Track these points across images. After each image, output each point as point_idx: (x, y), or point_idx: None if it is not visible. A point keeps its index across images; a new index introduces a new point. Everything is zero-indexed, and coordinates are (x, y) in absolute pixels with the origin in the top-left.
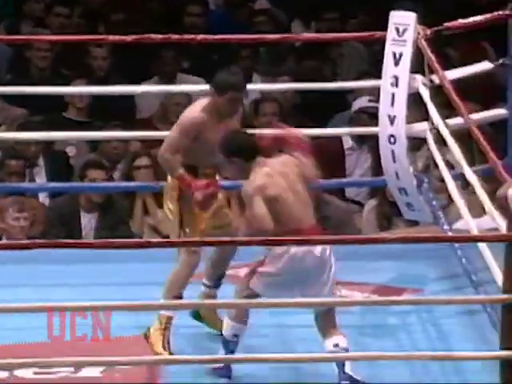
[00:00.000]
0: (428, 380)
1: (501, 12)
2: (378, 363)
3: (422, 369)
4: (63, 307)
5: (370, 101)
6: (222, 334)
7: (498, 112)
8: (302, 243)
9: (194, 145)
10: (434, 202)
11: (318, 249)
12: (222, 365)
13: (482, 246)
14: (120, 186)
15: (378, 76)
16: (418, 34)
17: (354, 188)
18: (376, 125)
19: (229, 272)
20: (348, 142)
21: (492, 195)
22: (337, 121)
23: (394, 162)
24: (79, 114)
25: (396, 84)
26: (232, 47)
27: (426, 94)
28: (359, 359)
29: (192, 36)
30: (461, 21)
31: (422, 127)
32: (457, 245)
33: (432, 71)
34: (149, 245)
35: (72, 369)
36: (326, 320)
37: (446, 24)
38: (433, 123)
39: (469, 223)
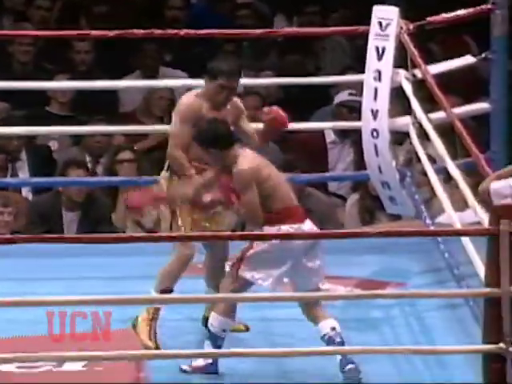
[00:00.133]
0: (411, 373)
1: (483, 6)
2: (362, 357)
3: (404, 362)
4: (49, 301)
5: (350, 94)
6: (209, 330)
7: (481, 106)
8: (287, 237)
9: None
10: (417, 196)
11: (307, 225)
12: (209, 361)
13: (465, 239)
14: (103, 180)
15: (361, 70)
16: (401, 28)
17: (336, 182)
18: (356, 118)
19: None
20: (330, 136)
21: (474, 189)
22: (319, 115)
23: (377, 155)
24: (62, 109)
25: (379, 78)
26: (215, 41)
27: (408, 89)
28: (343, 353)
29: (175, 31)
30: (443, 15)
31: (404, 121)
32: (439, 239)
33: (415, 65)
34: (131, 239)
35: (55, 363)
36: (313, 306)
37: (429, 18)
38: (415, 117)
39: (451, 217)
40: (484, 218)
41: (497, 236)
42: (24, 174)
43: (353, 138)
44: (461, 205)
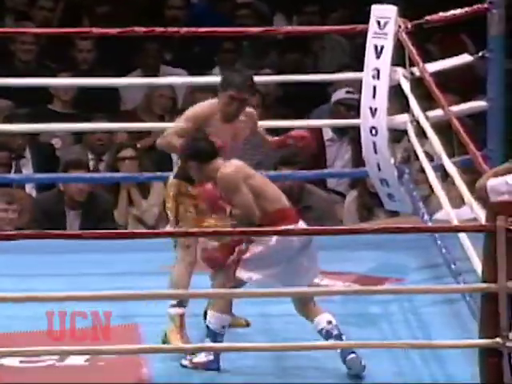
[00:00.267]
0: (408, 367)
1: (480, 5)
2: (360, 351)
3: (402, 356)
4: (50, 297)
5: (347, 92)
6: (208, 328)
7: (478, 104)
8: (286, 234)
9: None
10: (415, 193)
11: (302, 223)
12: (211, 358)
13: (462, 236)
14: (105, 177)
15: (361, 69)
16: (399, 27)
17: (335, 179)
18: (354, 116)
19: None
20: (328, 134)
21: (471, 186)
22: (318, 113)
23: (376, 153)
24: (64, 106)
25: (377, 76)
26: (215, 40)
27: (406, 87)
28: (341, 347)
29: (175, 29)
30: (441, 14)
31: (402, 119)
32: (437, 235)
33: (413, 64)
34: (132, 235)
35: (57, 357)
36: (307, 303)
37: (427, 17)
38: (413, 115)
39: (449, 214)
40: (481, 214)
41: (493, 232)
42: (28, 171)
43: (351, 135)
44: (458, 201)
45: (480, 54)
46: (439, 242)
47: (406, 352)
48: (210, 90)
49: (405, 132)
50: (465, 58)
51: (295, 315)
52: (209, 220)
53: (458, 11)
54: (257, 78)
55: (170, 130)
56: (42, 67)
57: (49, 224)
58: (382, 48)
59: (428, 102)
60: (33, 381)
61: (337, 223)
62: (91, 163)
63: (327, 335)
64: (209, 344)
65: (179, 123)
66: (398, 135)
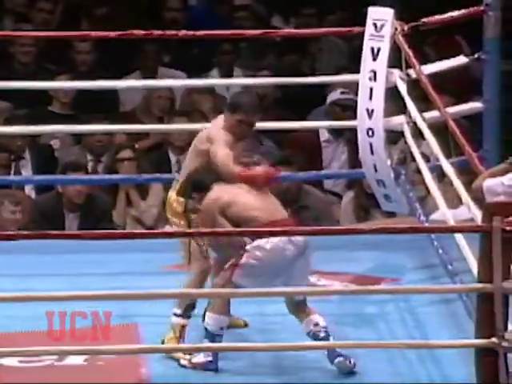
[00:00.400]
0: (405, 367)
1: (476, 8)
2: (357, 351)
3: (399, 356)
4: (49, 297)
5: (342, 93)
6: (206, 329)
7: (474, 105)
8: (283, 234)
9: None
10: (411, 194)
11: (298, 239)
12: (209, 358)
13: (458, 236)
14: (104, 178)
15: (357, 70)
16: (396, 29)
17: (331, 180)
18: (349, 117)
19: None
20: (324, 135)
21: (468, 186)
22: (315, 114)
23: (372, 154)
24: (64, 108)
25: (374, 78)
26: (213, 42)
27: (403, 88)
28: (338, 347)
29: (174, 32)
30: (437, 16)
31: (399, 120)
32: (433, 235)
33: (409, 66)
34: (131, 235)
35: (56, 357)
36: (299, 303)
37: (423, 19)
38: (410, 116)
39: (445, 214)
40: (477, 214)
41: (489, 233)
42: (27, 173)
43: (347, 136)
44: (454, 202)
45: (476, 55)
46: (435, 242)
47: (403, 352)
48: (207, 92)
49: (401, 133)
50: (461, 60)
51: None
52: None
53: (454, 13)
54: (255, 80)
55: (227, 161)
56: (41, 69)
57: (47, 225)
58: (378, 50)
59: (424, 103)
60: (32, 381)
61: (334, 224)
62: (90, 164)
63: (314, 337)
64: (207, 344)
65: (225, 151)
66: (394, 136)
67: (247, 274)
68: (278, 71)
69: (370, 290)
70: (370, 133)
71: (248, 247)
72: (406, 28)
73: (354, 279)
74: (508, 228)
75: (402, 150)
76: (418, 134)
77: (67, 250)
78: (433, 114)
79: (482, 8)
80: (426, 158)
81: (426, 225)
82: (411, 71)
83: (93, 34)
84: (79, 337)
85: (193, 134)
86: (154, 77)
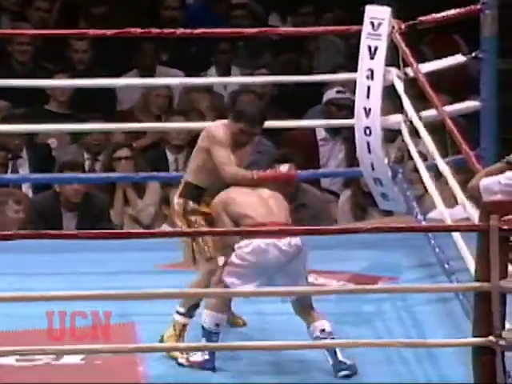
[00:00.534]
0: (402, 365)
1: (473, 6)
2: (354, 349)
3: (396, 355)
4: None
5: (338, 92)
6: (203, 328)
7: (471, 104)
8: (279, 233)
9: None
10: (408, 193)
11: (284, 242)
12: (206, 357)
13: (455, 235)
14: (101, 177)
15: (355, 69)
16: (393, 27)
17: (329, 178)
18: (345, 116)
19: None
20: (321, 133)
21: (465, 185)
22: (311, 113)
23: (370, 153)
24: (61, 107)
25: (371, 77)
26: (211, 40)
27: (400, 87)
28: (335, 346)
29: (172, 30)
30: (434, 15)
31: (396, 119)
32: (430, 234)
33: (406, 64)
34: (128, 235)
35: (53, 356)
36: (305, 306)
37: (420, 18)
38: (407, 115)
39: (442, 213)
40: (474, 214)
41: (487, 231)
42: (24, 172)
43: (344, 135)
44: (451, 201)
45: (473, 54)
46: (433, 241)
47: (400, 351)
48: (205, 90)
49: (399, 132)
50: (458, 59)
51: (291, 314)
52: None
53: (451, 12)
54: (252, 79)
55: (228, 163)
56: (39, 68)
57: (45, 224)
58: (375, 49)
59: (421, 102)
60: (29, 380)
61: (331, 222)
62: (87, 163)
63: None
64: (205, 343)
65: (224, 152)
66: (391, 135)
67: (234, 272)
68: (276, 70)
69: (367, 289)
70: (368, 131)
71: (236, 246)
72: (403, 26)
73: (351, 278)
74: (505, 227)
75: (399, 149)
76: (415, 133)
77: (65, 249)
78: (430, 112)
79: (478, 7)
80: (424, 157)
81: (423, 224)
82: (408, 70)
83: (90, 32)
84: (79, 336)
85: (190, 133)
86: (151, 75)
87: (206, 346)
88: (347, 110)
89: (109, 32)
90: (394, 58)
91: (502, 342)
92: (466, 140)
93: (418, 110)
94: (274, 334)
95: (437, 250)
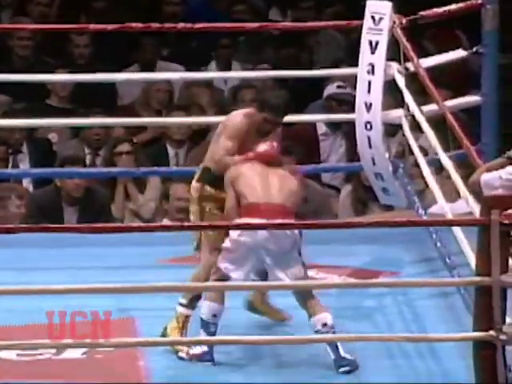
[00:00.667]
0: (403, 360)
1: (474, 1)
2: (355, 344)
3: (397, 349)
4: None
5: (338, 87)
6: (201, 319)
7: (472, 99)
8: (277, 227)
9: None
10: (409, 187)
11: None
12: (205, 349)
13: (456, 229)
14: (102, 171)
15: (355, 64)
16: (394, 22)
17: (329, 173)
18: (345, 111)
19: None
20: (322, 128)
21: (466, 180)
22: (312, 108)
23: (371, 147)
24: (61, 102)
25: (372, 72)
26: (211, 35)
27: (401, 82)
28: (336, 340)
29: (172, 25)
30: (435, 10)
31: (397, 114)
32: (431, 229)
33: (407, 59)
34: (129, 229)
35: (54, 351)
36: (304, 294)
37: (421, 13)
38: (408, 110)
39: (443, 208)
40: (475, 208)
41: (487, 226)
42: (25, 166)
43: (344, 129)
44: (452, 195)
45: (474, 49)
46: (434, 235)
47: (401, 345)
48: (205, 85)
49: (399, 126)
50: (459, 53)
51: (292, 308)
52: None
53: (452, 7)
54: (253, 73)
55: (220, 151)
56: (40, 62)
57: (46, 219)
58: (376, 43)
59: (422, 96)
60: (30, 374)
61: (332, 217)
62: (88, 158)
63: None
64: (205, 337)
65: (225, 142)
66: (392, 130)
67: (227, 258)
68: (276, 65)
69: (368, 284)
70: (368, 126)
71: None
72: (404, 21)
73: (352, 273)
74: (506, 221)
75: (400, 143)
76: (416, 128)
77: (66, 244)
78: (431, 107)
79: (480, 1)
80: (424, 152)
81: (424, 218)
82: (409, 64)
83: (91, 27)
84: (79, 336)
85: (191, 128)
86: (152, 70)
87: (207, 341)
88: (348, 104)
89: (109, 27)
90: (394, 53)
91: (502, 337)
92: (467, 135)
93: (418, 105)
94: (276, 328)
95: (438, 244)
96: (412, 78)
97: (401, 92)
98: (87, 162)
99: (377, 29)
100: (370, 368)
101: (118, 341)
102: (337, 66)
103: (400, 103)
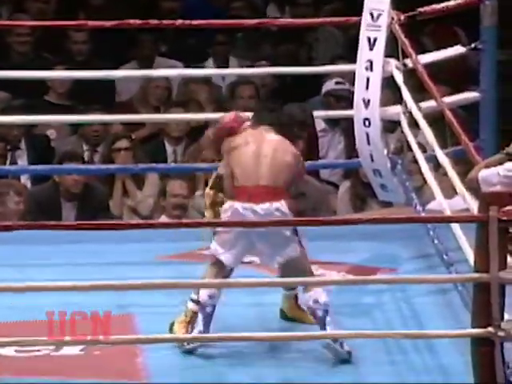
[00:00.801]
0: (401, 356)
1: None
2: (353, 341)
3: (395, 346)
4: (47, 287)
5: (337, 83)
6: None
7: (470, 95)
8: (274, 224)
9: None
10: (408, 184)
11: (262, 206)
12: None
13: (454, 226)
14: (100, 168)
15: (354, 60)
16: (392, 19)
17: (328, 169)
18: (344, 107)
19: None
20: (320, 125)
21: (464, 176)
22: (310, 104)
23: (369, 144)
24: (60, 98)
25: (370, 68)
26: (209, 32)
27: (399, 78)
28: (335, 337)
29: (170, 21)
30: (433, 6)
31: (395, 110)
32: (429, 225)
33: (406, 55)
34: (128, 226)
35: (53, 347)
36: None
37: (420, 9)
38: (406, 106)
39: (441, 204)
40: (473, 204)
41: (486, 222)
42: (23, 163)
43: (343, 126)
44: (450, 192)
45: (473, 45)
46: (432, 232)
47: (399, 342)
48: (203, 82)
49: (398, 123)
50: (457, 50)
51: None
52: None
53: (450, 3)
54: (251, 70)
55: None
56: (39, 59)
57: (44, 215)
58: (375, 40)
59: (421, 93)
60: (28, 370)
61: (330, 213)
62: (86, 154)
63: (312, 314)
64: (205, 335)
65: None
66: (391, 126)
67: (219, 241)
68: (274, 61)
69: (366, 280)
70: (367, 123)
71: (222, 210)
72: (402, 17)
73: (350, 269)
74: (504, 218)
75: (398, 140)
76: (415, 124)
77: (64, 240)
78: (429, 103)
79: None
80: (423, 148)
81: (423, 215)
82: (408, 61)
83: (89, 23)
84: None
85: (189, 124)
86: (150, 67)
87: (206, 337)
88: (346, 101)
89: (107, 23)
90: (393, 49)
91: (500, 333)
92: (466, 131)
93: (417, 101)
94: (273, 322)
95: (436, 241)
96: (410, 75)
97: (399, 88)
98: (85, 158)
99: (375, 25)
100: (367, 364)
101: (117, 338)
102: (335, 63)
103: (398, 100)
